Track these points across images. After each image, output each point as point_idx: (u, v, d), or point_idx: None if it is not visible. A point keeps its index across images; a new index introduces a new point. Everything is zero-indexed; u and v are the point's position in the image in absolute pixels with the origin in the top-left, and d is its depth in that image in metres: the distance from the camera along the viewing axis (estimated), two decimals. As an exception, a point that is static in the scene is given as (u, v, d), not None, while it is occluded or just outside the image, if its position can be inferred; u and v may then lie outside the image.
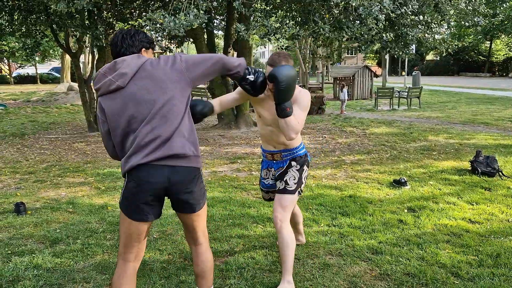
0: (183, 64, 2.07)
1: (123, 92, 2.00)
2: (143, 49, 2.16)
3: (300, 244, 3.38)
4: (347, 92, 14.25)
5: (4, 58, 30.90)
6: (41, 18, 9.96)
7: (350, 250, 3.28)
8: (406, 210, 4.23)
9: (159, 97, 1.99)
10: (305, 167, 2.81)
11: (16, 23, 10.34)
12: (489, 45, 42.11)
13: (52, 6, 6.17)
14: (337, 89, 19.64)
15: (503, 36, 39.00)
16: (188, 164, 2.04)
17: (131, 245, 2.08)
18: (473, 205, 4.37)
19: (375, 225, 3.81)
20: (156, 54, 29.26)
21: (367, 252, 3.23)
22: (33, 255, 3.23)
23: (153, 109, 1.98)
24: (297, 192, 2.76)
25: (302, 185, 2.80)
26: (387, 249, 3.29)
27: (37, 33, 10.96)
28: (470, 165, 5.72)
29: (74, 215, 4.20)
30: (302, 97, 2.60)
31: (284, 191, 2.74)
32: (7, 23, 10.26)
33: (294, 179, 2.75)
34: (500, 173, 5.43)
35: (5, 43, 22.17)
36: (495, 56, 43.25)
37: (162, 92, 2.00)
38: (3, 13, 9.73)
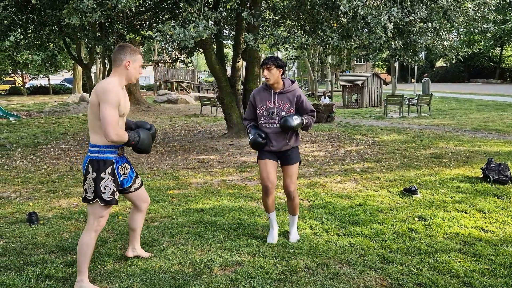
0: None
1: None
2: None
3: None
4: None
5: (18, 70, 31.52)
6: (54, 31, 10.17)
7: (361, 259, 3.26)
8: (417, 219, 4.20)
9: None
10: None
11: (30, 36, 10.57)
12: (499, 51, 41.76)
13: (66, 19, 6.29)
14: (346, 97, 19.66)
15: (513, 42, 38.69)
16: None
17: None
18: (485, 213, 4.31)
19: (386, 234, 3.78)
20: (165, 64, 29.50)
21: (377, 262, 3.21)
22: (45, 264, 3.26)
23: None
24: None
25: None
26: (398, 258, 3.26)
27: (53, 45, 11.19)
28: (481, 173, 5.66)
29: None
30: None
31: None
32: (21, 36, 10.48)
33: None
34: (512, 180, 5.36)
35: (19, 55, 22.69)
36: (505, 62, 42.87)
37: None
38: (18, 27, 9.96)
